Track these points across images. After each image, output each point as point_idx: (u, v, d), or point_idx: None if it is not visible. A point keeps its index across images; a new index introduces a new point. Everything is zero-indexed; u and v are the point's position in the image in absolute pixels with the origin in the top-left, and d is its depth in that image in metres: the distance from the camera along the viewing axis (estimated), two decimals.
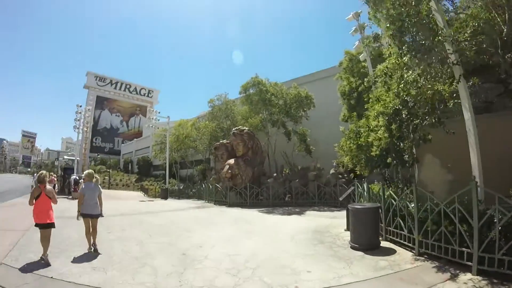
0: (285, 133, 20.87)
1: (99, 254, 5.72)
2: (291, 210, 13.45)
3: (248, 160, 17.54)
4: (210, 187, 18.83)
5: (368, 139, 8.38)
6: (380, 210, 6.56)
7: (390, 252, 5.74)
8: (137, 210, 14.16)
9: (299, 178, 17.15)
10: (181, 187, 25.65)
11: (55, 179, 21.39)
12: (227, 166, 17.15)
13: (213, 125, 24.72)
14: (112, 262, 5.24)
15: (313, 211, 13.03)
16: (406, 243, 5.77)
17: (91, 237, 5.89)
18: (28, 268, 4.79)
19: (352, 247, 6.10)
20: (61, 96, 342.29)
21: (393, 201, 6.28)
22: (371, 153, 8.40)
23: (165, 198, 22.87)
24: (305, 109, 20.06)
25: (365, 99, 10.26)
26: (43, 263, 4.97)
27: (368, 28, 12.21)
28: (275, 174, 18.46)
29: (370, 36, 11.71)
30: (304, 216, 11.78)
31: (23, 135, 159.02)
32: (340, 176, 16.30)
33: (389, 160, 7.81)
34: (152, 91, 78.86)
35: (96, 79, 69.06)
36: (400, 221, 5.94)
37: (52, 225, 5.24)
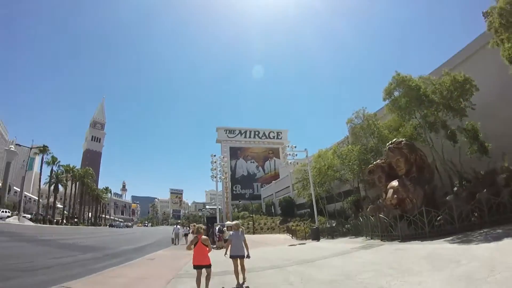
0: (447, 134, 15.98)
1: None
2: (492, 233, 9.44)
3: (415, 178, 13.97)
4: (372, 219, 15.65)
5: None
6: None
7: None
8: (291, 258, 11.50)
9: (486, 187, 12.33)
10: (333, 224, 23.28)
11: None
12: (391, 191, 14.10)
13: (357, 147, 21.94)
14: None
15: None
16: None
17: (239, 275, 6.84)
18: None
19: None
20: (201, 152, 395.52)
21: None
22: None
23: (317, 239, 20.79)
24: (466, 97, 15.11)
25: None
26: None
27: None
28: (455, 189, 13.92)
29: None
30: None
31: (171, 192, 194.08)
32: None
33: None
34: (281, 132, 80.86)
35: (226, 132, 76.37)
36: None
37: (209, 266, 6.14)
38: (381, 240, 13.77)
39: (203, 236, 6.34)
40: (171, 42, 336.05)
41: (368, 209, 16.79)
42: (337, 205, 28.65)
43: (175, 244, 22.65)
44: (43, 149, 55.67)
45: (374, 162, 17.46)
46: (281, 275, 8.17)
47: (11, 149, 63.27)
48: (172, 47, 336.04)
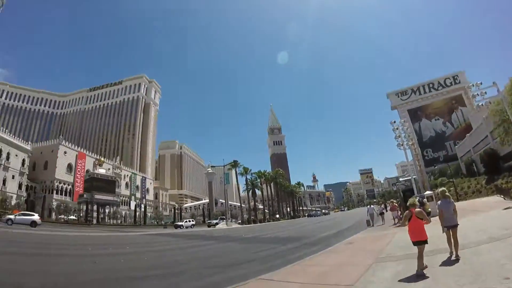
0: None
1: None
2: None
3: None
4: None
5: None
6: None
7: None
8: (510, 227, 8.86)
9: None
10: None
11: (396, 205, 21.81)
12: None
13: None
14: None
15: None
16: None
17: (451, 245, 6.45)
18: None
19: None
20: (381, 126, 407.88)
21: None
22: None
23: None
24: None
25: None
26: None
27: None
28: None
29: None
30: None
31: (361, 173, 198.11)
32: None
33: None
34: (457, 75, 68.73)
35: (398, 96, 71.85)
36: None
37: (425, 242, 5.66)
38: None
39: (417, 209, 5.96)
40: None
41: None
42: None
43: (371, 226, 20.79)
44: (234, 164, 68.37)
45: None
46: (503, 250, 6.42)
47: (209, 171, 79.59)
48: None
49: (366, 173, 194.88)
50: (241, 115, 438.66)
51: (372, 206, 25.43)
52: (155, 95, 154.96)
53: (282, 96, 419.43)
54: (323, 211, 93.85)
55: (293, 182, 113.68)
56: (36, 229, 26.38)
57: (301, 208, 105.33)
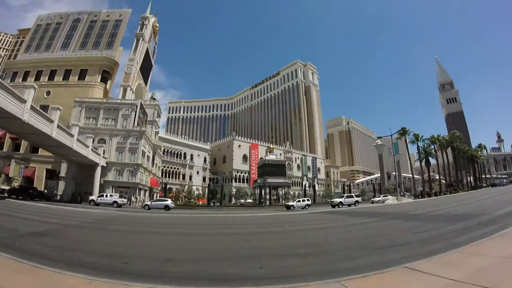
0: None
1: None
2: None
3: None
4: None
5: None
6: None
7: None
8: None
9: None
10: None
11: None
12: None
13: None
14: None
15: None
16: None
17: None
18: None
19: None
20: None
21: None
22: None
23: None
24: None
25: None
26: None
27: None
28: None
29: None
30: None
31: None
32: None
33: None
34: None
35: None
36: None
37: None
38: None
39: None
40: None
41: None
42: None
43: None
44: (403, 132, 62.13)
45: None
46: None
47: (378, 143, 73.23)
48: None
49: None
50: (404, 72, 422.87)
51: None
52: (313, 76, 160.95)
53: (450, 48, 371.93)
54: (510, 178, 77.03)
55: (473, 145, 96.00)
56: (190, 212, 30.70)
57: (483, 176, 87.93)
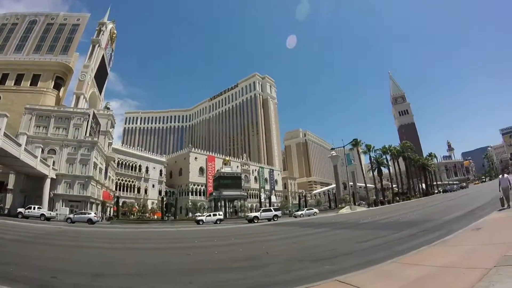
0: None
1: None
2: None
3: None
4: None
5: None
6: None
7: None
8: None
9: None
10: None
11: None
12: None
13: None
14: None
15: None
16: None
17: None
18: None
19: None
20: None
21: None
22: None
23: None
24: None
25: None
26: None
27: None
28: None
29: None
30: None
31: (503, 134, 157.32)
32: None
33: None
34: None
35: None
36: None
37: None
38: None
39: None
40: None
41: None
42: None
43: (507, 207, 14.49)
44: (355, 143, 60.97)
45: None
46: None
47: (333, 154, 70.21)
48: None
49: (510, 133, 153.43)
50: (358, 87, 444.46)
51: (506, 175, 16.69)
52: (271, 89, 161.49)
53: (401, 62, 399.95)
54: (460, 184, 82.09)
55: (425, 154, 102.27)
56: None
57: (435, 183, 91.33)
